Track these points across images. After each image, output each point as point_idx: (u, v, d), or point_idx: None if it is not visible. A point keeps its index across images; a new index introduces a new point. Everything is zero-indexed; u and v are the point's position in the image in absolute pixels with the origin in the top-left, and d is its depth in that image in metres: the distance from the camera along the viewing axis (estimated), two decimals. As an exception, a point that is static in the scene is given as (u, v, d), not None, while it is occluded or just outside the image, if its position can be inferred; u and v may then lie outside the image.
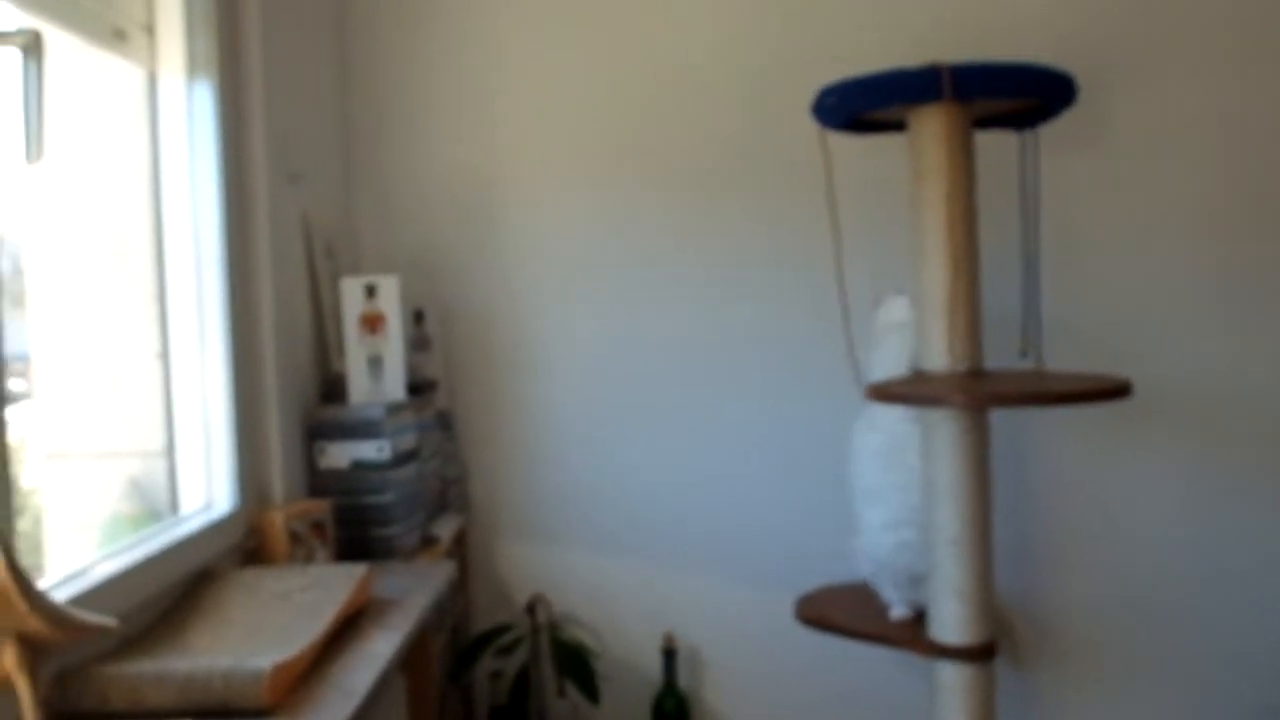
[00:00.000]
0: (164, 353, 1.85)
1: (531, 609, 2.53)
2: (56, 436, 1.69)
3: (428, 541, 2.24)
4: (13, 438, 1.32)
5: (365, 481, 2.08)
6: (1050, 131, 2.28)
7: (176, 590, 1.64)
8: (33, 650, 1.08)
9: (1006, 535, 2.48)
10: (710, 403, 2.58)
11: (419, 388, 2.33)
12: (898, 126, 2.15)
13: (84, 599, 1.34)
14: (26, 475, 1.60)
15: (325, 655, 1.47)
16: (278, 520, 1.87)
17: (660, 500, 2.60)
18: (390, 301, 2.17)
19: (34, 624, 1.05)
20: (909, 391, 1.84)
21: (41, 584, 1.33)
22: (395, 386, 2.17)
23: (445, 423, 2.53)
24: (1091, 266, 2.52)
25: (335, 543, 2.02)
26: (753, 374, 2.57)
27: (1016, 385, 1.84)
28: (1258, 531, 2.52)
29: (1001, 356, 2.19)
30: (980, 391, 1.77)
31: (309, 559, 1.92)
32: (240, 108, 1.94)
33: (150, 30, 1.79)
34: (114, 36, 1.67)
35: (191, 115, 1.84)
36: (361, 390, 2.16)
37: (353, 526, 2.07)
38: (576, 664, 2.46)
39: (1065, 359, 2.46)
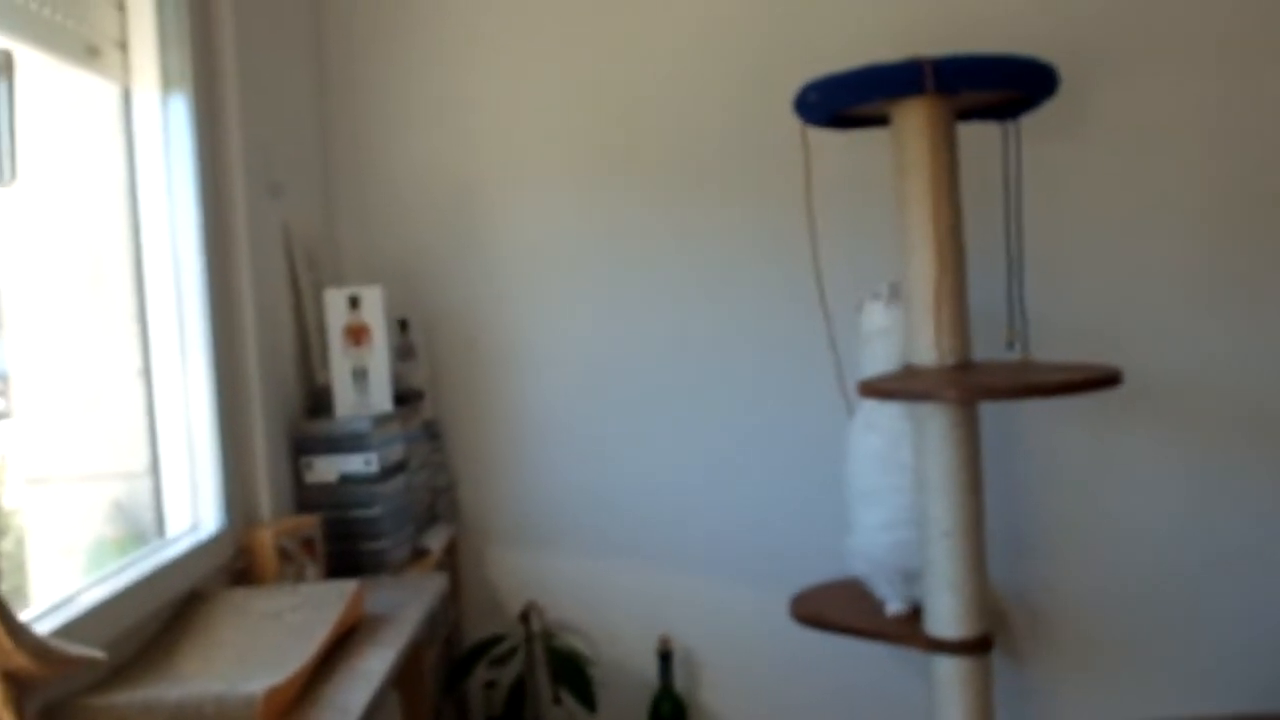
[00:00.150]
0: (145, 370, 1.82)
1: (525, 617, 2.51)
2: (37, 460, 1.67)
3: (418, 553, 2.22)
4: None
5: (354, 495, 2.05)
6: (1031, 122, 2.27)
7: (164, 614, 1.61)
8: (18, 686, 1.05)
9: (998, 527, 2.48)
10: (699, 404, 2.57)
11: (405, 398, 2.31)
12: (880, 121, 2.14)
13: (70, 628, 1.32)
14: (7, 496, 1.57)
15: (318, 675, 1.45)
16: (266, 538, 1.85)
17: (651, 502, 2.58)
18: (374, 312, 2.14)
19: (19, 661, 1.03)
20: (900, 387, 1.83)
21: (27, 614, 1.31)
22: (381, 398, 2.15)
23: (433, 432, 2.51)
24: (1075, 257, 2.52)
25: (325, 558, 2.00)
26: (742, 374, 2.56)
27: (1006, 378, 1.83)
28: (1249, 520, 2.53)
29: (987, 348, 2.18)
30: (971, 385, 1.76)
31: (299, 576, 1.89)
32: (217, 121, 1.92)
33: (123, 46, 1.77)
34: (87, 53, 1.64)
35: (167, 130, 1.81)
36: (347, 403, 2.14)
37: (342, 541, 2.05)
38: (572, 672, 2.44)
39: (1050, 350, 2.46)
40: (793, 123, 2.18)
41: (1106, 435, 2.54)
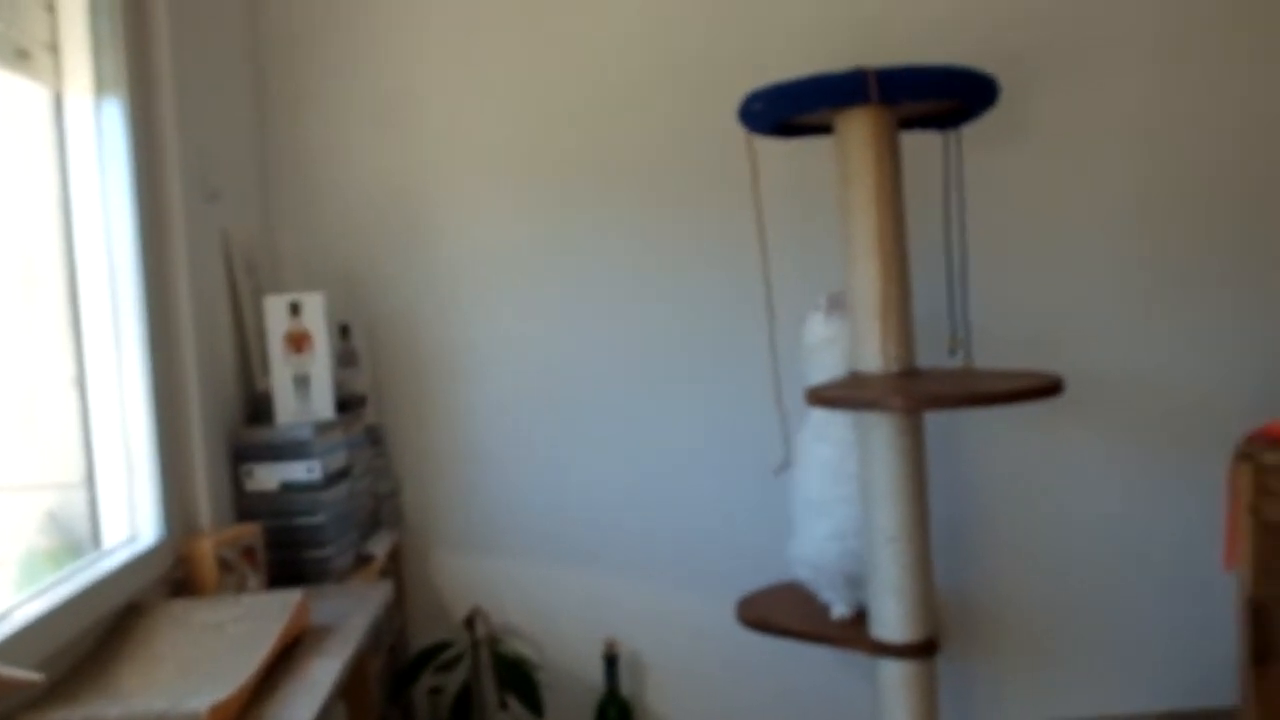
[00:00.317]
0: (80, 379, 1.78)
1: (470, 622, 2.49)
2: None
3: (362, 560, 2.20)
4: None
5: (295, 503, 2.03)
6: (967, 131, 2.30)
7: (101, 628, 1.58)
8: (-47, 709, 1.03)
9: (937, 528, 2.51)
10: (645, 407, 2.57)
11: (347, 403, 2.28)
12: (824, 130, 2.15)
13: (4, 647, 1.28)
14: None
15: (263, 689, 1.42)
16: (206, 548, 1.82)
17: (597, 506, 2.58)
18: (315, 319, 2.11)
19: (-47, 683, 1.00)
20: (847, 395, 1.85)
21: (-41, 633, 1.27)
22: (323, 405, 2.12)
23: (375, 438, 2.48)
24: (1013, 263, 2.56)
25: (267, 567, 1.97)
26: (687, 378, 2.57)
27: (952, 386, 1.86)
28: (1179, 519, 2.59)
29: (929, 354, 2.21)
30: (918, 394, 1.78)
31: (240, 586, 1.87)
32: (152, 126, 1.88)
33: (55, 49, 1.72)
34: (16, 56, 1.60)
35: (101, 135, 1.77)
36: (288, 410, 2.11)
37: (284, 550, 2.02)
38: (518, 677, 2.43)
39: (991, 355, 2.50)
40: (736, 131, 2.19)
41: (1044, 437, 2.58)
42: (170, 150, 1.89)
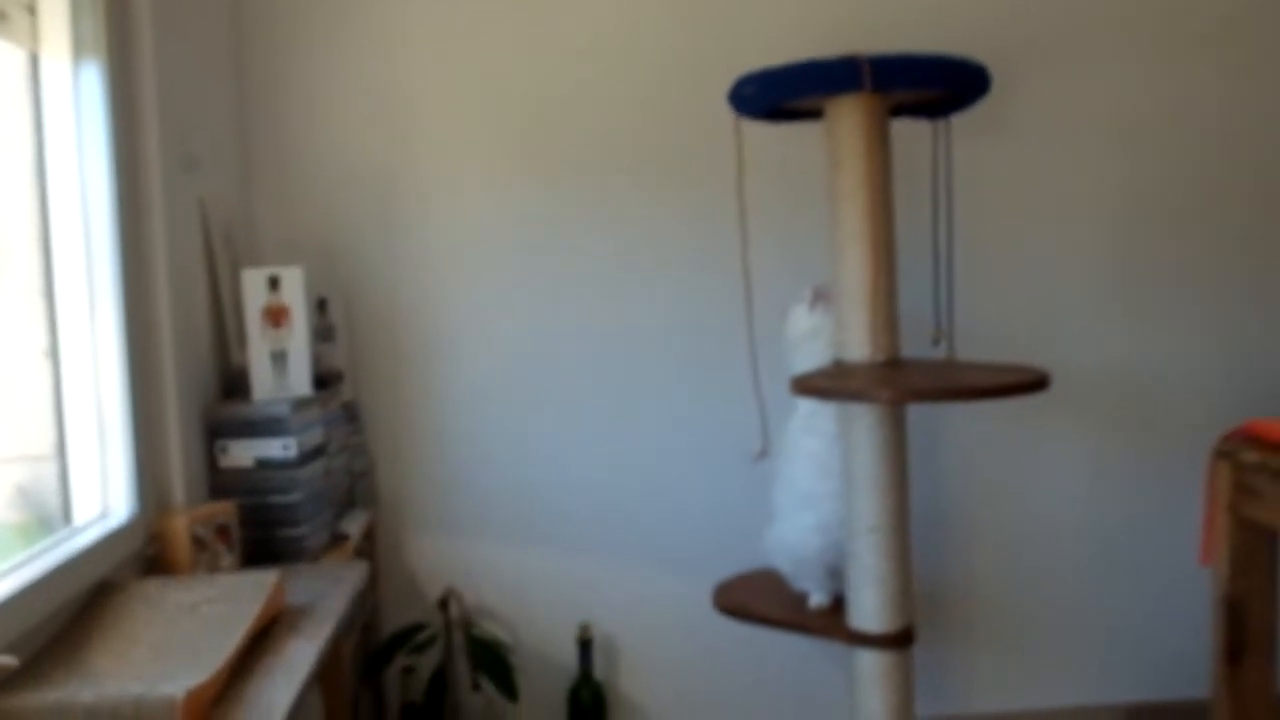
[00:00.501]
0: (52, 350, 1.74)
1: (444, 603, 2.47)
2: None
3: (337, 539, 2.17)
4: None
5: (271, 481, 1.99)
6: (954, 122, 2.29)
7: (73, 606, 1.55)
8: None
9: (913, 519, 2.51)
10: (624, 390, 2.55)
11: (324, 379, 2.25)
12: (812, 115, 2.13)
13: (-26, 625, 1.25)
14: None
15: (239, 671, 1.40)
16: (180, 525, 1.79)
17: (574, 489, 2.56)
18: (294, 294, 2.08)
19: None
20: (833, 385, 1.84)
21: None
22: (300, 381, 2.09)
23: (351, 414, 2.45)
24: (997, 256, 2.56)
25: (241, 545, 1.94)
26: (666, 362, 2.55)
27: (938, 378, 1.85)
28: (1155, 512, 2.61)
29: (912, 345, 2.20)
30: (905, 387, 1.77)
31: (214, 565, 1.83)
32: (131, 91, 1.83)
33: (32, 9, 1.67)
34: (-8, 15, 1.55)
35: (79, 98, 1.72)
36: (265, 386, 2.08)
37: (258, 528, 1.99)
38: (491, 660, 2.42)
39: (973, 347, 2.49)
40: (720, 117, 2.17)
41: (1022, 429, 2.59)
42: (149, 116, 1.85)
